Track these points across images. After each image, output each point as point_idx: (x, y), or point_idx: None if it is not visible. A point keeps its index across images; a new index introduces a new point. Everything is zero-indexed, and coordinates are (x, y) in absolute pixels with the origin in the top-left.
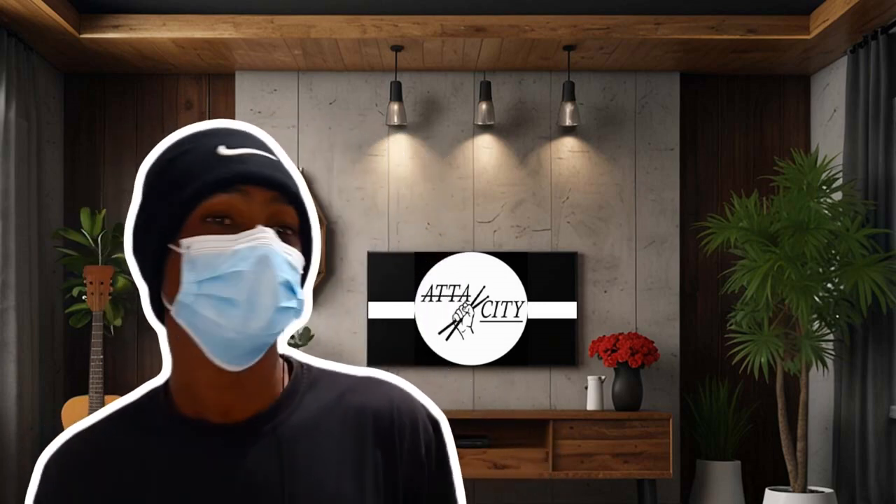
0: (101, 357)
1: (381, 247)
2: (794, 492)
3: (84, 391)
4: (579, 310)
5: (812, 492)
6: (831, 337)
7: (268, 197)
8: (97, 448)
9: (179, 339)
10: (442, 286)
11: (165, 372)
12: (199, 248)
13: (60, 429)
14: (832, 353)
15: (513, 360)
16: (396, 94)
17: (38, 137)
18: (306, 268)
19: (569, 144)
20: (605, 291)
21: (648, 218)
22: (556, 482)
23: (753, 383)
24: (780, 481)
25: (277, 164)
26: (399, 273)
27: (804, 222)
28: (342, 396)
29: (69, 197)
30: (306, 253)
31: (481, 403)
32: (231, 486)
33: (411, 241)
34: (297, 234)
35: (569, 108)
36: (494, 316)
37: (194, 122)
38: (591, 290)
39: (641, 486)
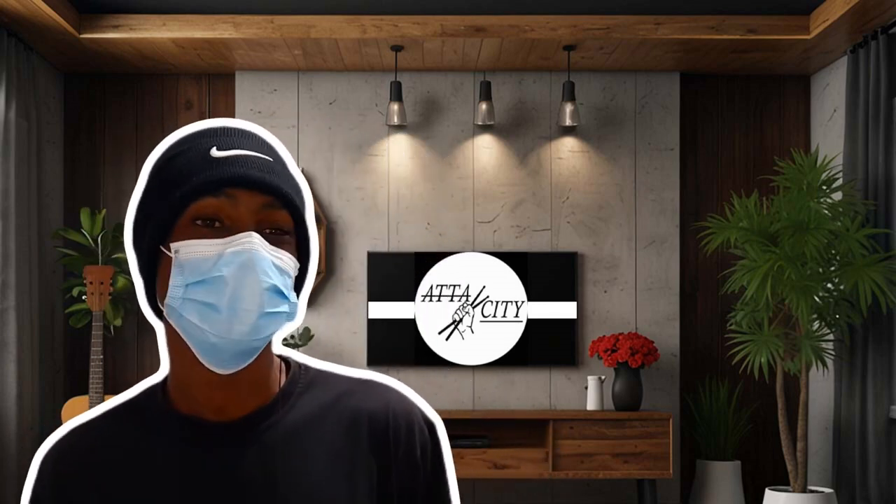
0: (101, 357)
1: (381, 247)
2: (794, 492)
3: (84, 391)
4: (579, 310)
5: (812, 492)
6: (831, 337)
7: (258, 200)
8: (94, 444)
9: (175, 337)
10: (442, 286)
11: (163, 369)
12: (186, 252)
13: None
14: (832, 353)
15: (513, 360)
16: (396, 94)
17: (38, 137)
18: (304, 270)
19: (569, 144)
20: (605, 291)
21: (648, 218)
22: (556, 482)
23: (753, 383)
24: (780, 481)
25: (272, 166)
26: (399, 273)
27: (804, 222)
28: (338, 398)
29: (69, 197)
30: (303, 255)
31: (481, 403)
32: (225, 484)
33: (411, 241)
34: (292, 236)
35: (569, 108)
36: (494, 316)
37: (194, 122)
38: (591, 290)
39: (641, 486)
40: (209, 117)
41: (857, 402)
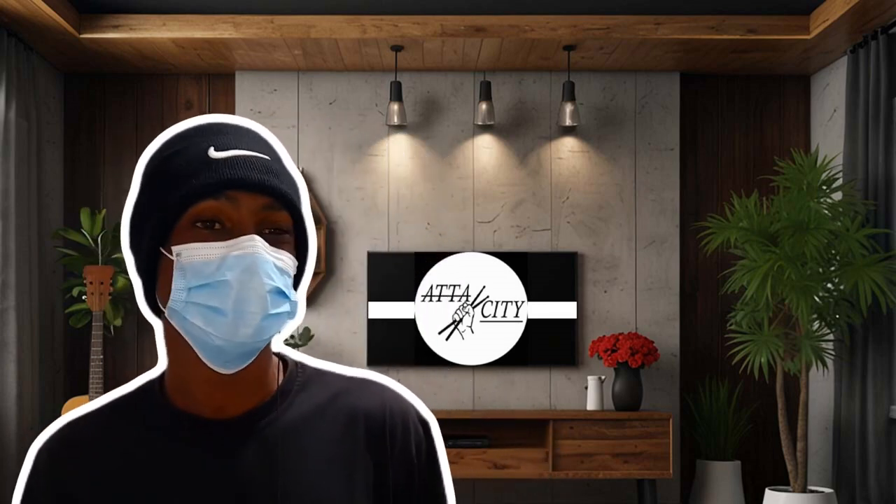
0: (101, 357)
1: (381, 247)
2: (794, 492)
3: (84, 391)
4: (579, 310)
5: (812, 492)
6: (831, 337)
7: (258, 202)
8: (90, 437)
9: (174, 337)
10: (442, 286)
11: (161, 365)
12: (188, 256)
13: None
14: (832, 353)
15: (513, 360)
16: (396, 94)
17: (38, 137)
18: (302, 267)
19: (569, 144)
20: (605, 291)
21: (648, 218)
22: (556, 482)
23: (753, 383)
24: (780, 481)
25: (270, 166)
26: (399, 273)
27: (804, 222)
28: (335, 397)
29: (69, 197)
30: (301, 252)
31: (481, 403)
32: (222, 482)
33: (411, 241)
34: (291, 234)
35: (569, 108)
36: (494, 316)
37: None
38: (591, 290)
39: (641, 486)
40: None
41: (857, 402)
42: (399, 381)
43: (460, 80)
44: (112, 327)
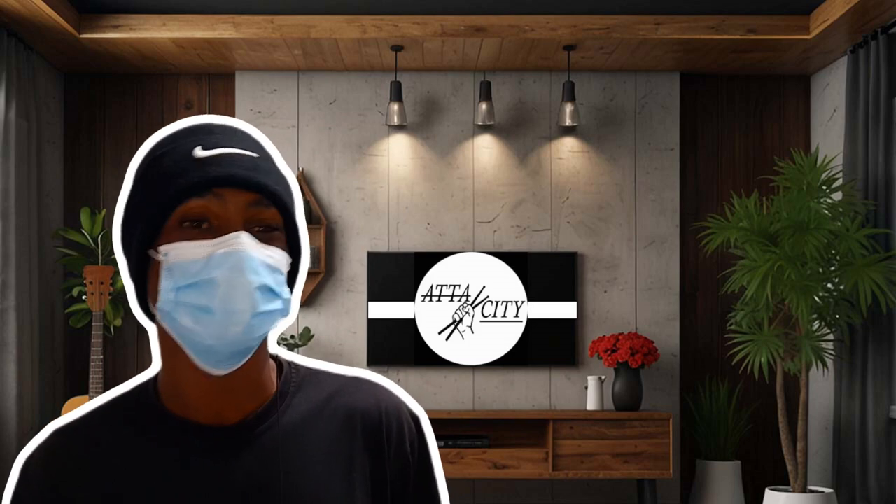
0: (101, 357)
1: (381, 247)
2: (794, 492)
3: (84, 391)
4: (579, 310)
5: (812, 492)
6: (831, 337)
7: (245, 199)
8: (82, 446)
9: (167, 340)
10: (442, 286)
11: (155, 367)
12: (175, 255)
13: None
14: (832, 353)
15: (513, 360)
16: (396, 94)
17: (38, 137)
18: (296, 264)
19: (569, 144)
20: (605, 291)
21: (648, 218)
22: (556, 482)
23: (753, 383)
24: (780, 481)
25: (257, 163)
26: (399, 273)
27: (804, 222)
28: (331, 397)
29: (69, 197)
30: (294, 249)
31: (481, 403)
32: (224, 489)
33: (411, 241)
34: (281, 232)
35: (569, 108)
36: (494, 316)
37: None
38: (591, 290)
39: (641, 486)
40: None
41: (857, 402)
42: (399, 381)
43: (460, 80)
44: (112, 327)
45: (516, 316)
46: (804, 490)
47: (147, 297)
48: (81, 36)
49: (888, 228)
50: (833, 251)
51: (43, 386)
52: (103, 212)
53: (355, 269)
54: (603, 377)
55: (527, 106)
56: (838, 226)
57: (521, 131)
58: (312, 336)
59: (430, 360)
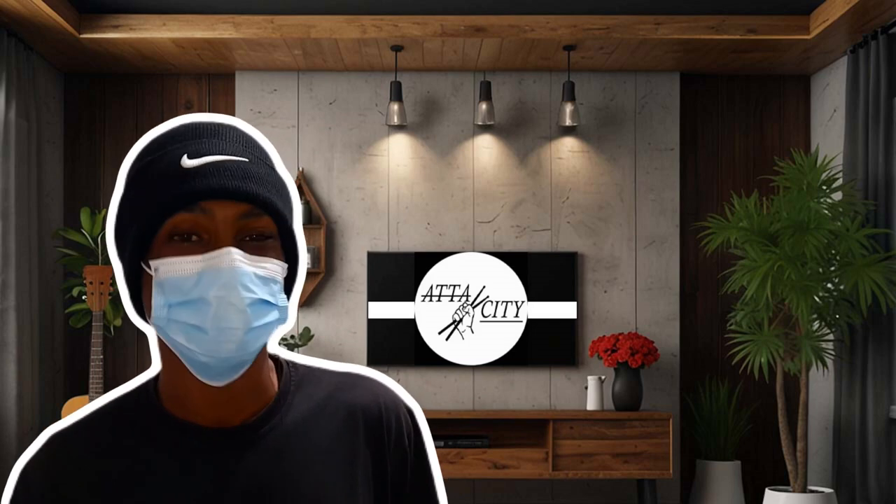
0: (101, 357)
1: (381, 247)
2: (794, 492)
3: (84, 391)
4: (579, 310)
5: (812, 492)
6: (831, 337)
7: (236, 210)
8: (82, 450)
9: (166, 349)
10: (442, 286)
11: (155, 368)
12: (165, 271)
13: None
14: (832, 353)
15: (513, 360)
16: (396, 94)
17: (38, 137)
18: (294, 269)
19: (569, 144)
20: (605, 291)
21: (648, 218)
22: (556, 482)
23: (753, 383)
24: (780, 481)
25: (248, 170)
26: (399, 273)
27: (804, 222)
28: (331, 395)
29: (69, 197)
30: (292, 254)
31: (481, 403)
32: (228, 490)
33: (411, 241)
34: (276, 239)
35: (569, 108)
36: (494, 316)
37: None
38: (591, 290)
39: (641, 486)
40: None
41: (857, 402)
42: (399, 381)
43: (460, 80)
44: (112, 327)
45: (516, 316)
46: (804, 490)
47: (143, 306)
48: (81, 36)
49: (888, 228)
50: (833, 251)
51: (43, 386)
52: (103, 212)
53: (355, 269)
54: (603, 377)
55: (527, 106)
56: (838, 226)
57: (521, 131)
58: (312, 336)
59: (430, 360)
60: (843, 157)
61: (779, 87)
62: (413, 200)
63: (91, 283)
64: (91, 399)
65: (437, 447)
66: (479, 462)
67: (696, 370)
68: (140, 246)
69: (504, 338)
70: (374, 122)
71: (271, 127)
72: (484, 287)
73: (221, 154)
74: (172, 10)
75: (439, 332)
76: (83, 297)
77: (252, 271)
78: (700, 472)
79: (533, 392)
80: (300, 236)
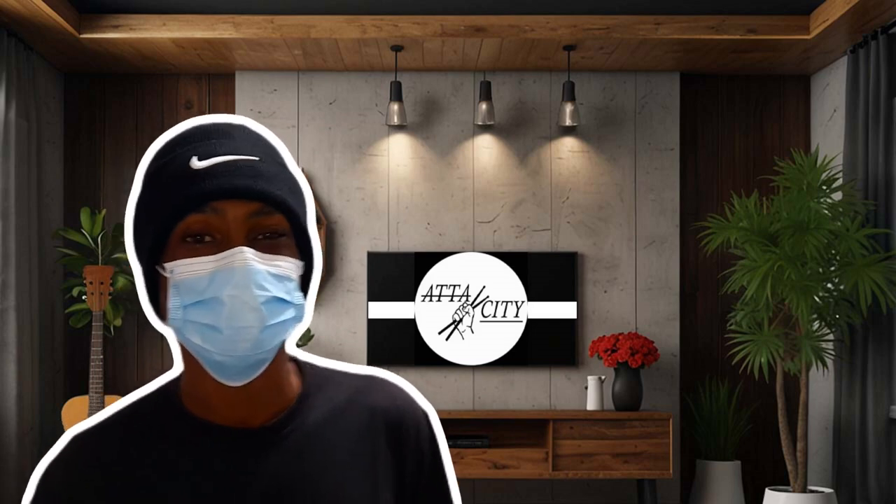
0: (101, 357)
1: (381, 247)
2: (794, 492)
3: (84, 391)
4: (579, 310)
5: (812, 492)
6: (831, 337)
7: (246, 209)
8: (106, 451)
9: (186, 350)
10: (442, 286)
11: (177, 368)
12: (180, 273)
13: (60, 429)
14: (832, 353)
15: (513, 360)
16: (396, 94)
17: (38, 137)
18: (310, 267)
19: (569, 144)
20: (605, 291)
21: (648, 218)
22: (556, 482)
23: (753, 383)
24: (780, 481)
25: (258, 169)
26: (399, 273)
27: (804, 222)
28: (352, 397)
29: (69, 197)
30: (306, 251)
31: (481, 403)
32: (250, 491)
33: (411, 241)
34: (289, 237)
35: (569, 108)
36: (494, 316)
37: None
38: (591, 290)
39: (641, 486)
40: None
41: (857, 402)
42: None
43: (460, 80)
44: (112, 327)
45: (516, 316)
46: (804, 490)
47: (160, 307)
48: (81, 36)
49: (888, 228)
50: (833, 251)
51: (43, 386)
52: (103, 212)
53: (355, 269)
54: (603, 377)
55: (527, 106)
56: (838, 226)
57: (521, 131)
58: (312, 336)
59: (430, 360)
60: (843, 157)
61: (779, 87)
62: (413, 200)
63: (91, 283)
64: (91, 399)
65: None
66: (479, 462)
67: (696, 370)
68: (155, 248)
69: (504, 338)
70: (374, 122)
71: (271, 127)
72: (484, 287)
73: (231, 154)
74: (172, 10)
75: (439, 332)
76: (83, 297)
77: (265, 269)
78: (700, 472)
79: (533, 392)
80: (314, 234)
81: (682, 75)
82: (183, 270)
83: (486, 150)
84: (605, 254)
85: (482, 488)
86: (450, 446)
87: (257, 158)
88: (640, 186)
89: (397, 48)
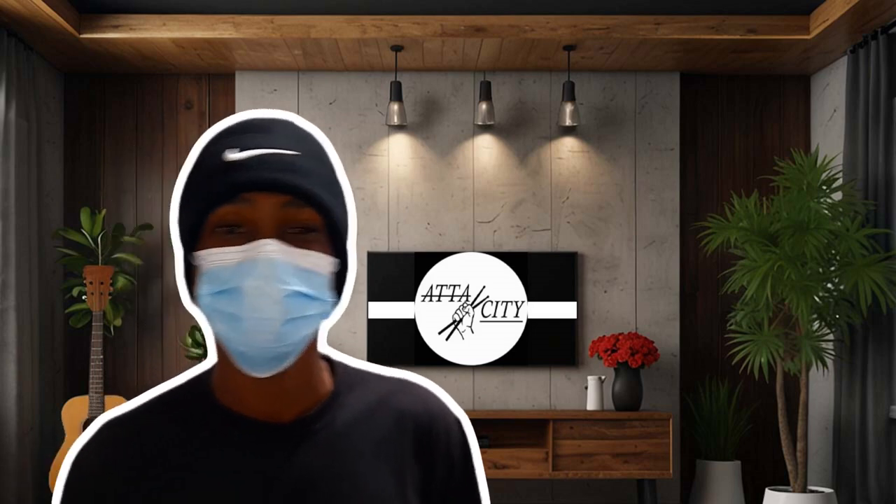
0: (101, 357)
1: (381, 247)
2: (794, 492)
3: (84, 391)
4: (579, 310)
5: (812, 492)
6: (831, 337)
7: (276, 201)
8: (136, 436)
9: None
10: (442, 286)
11: (211, 359)
12: (208, 261)
13: (60, 429)
14: (832, 353)
15: (513, 360)
16: (396, 94)
17: (38, 137)
18: (344, 264)
19: (569, 144)
20: (605, 291)
21: (648, 218)
22: (556, 482)
23: (753, 383)
24: (780, 481)
25: (292, 163)
26: (399, 273)
27: (804, 222)
28: (382, 399)
29: (69, 197)
30: (341, 248)
31: (481, 403)
32: (277, 484)
33: (411, 241)
34: (320, 232)
35: (569, 108)
36: (494, 316)
37: (194, 122)
38: (591, 290)
39: (641, 486)
40: (209, 118)
41: (857, 402)
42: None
43: (460, 80)
44: (112, 327)
45: (516, 316)
46: (804, 490)
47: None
48: (81, 36)
49: (888, 228)
50: (833, 251)
51: (43, 386)
52: (103, 212)
53: (355, 269)
54: (603, 377)
55: (527, 106)
56: (838, 226)
57: (521, 131)
58: None
59: (430, 360)
60: (843, 157)
61: (779, 87)
62: (413, 200)
63: (91, 283)
64: (91, 399)
65: None
66: None
67: (696, 370)
68: (191, 236)
69: (504, 338)
70: (374, 122)
71: None
72: (484, 287)
73: (267, 148)
74: (172, 10)
75: (439, 332)
76: (83, 297)
77: (290, 263)
78: (700, 472)
79: (533, 392)
80: (352, 235)
81: (682, 75)
82: (211, 259)
83: (486, 150)
84: (605, 254)
85: None
86: None
87: (294, 153)
88: (640, 186)
89: (397, 48)
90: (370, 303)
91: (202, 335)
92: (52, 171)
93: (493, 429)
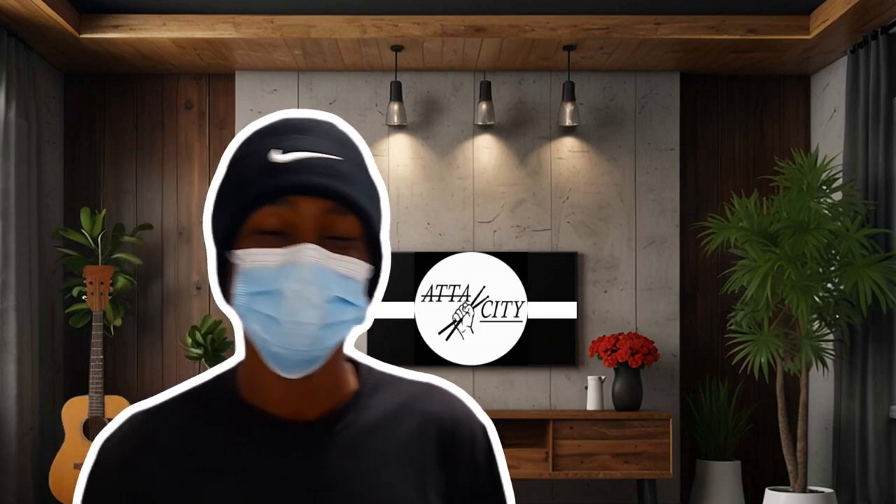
0: (101, 357)
1: None
2: (794, 492)
3: (84, 391)
4: (579, 310)
5: (812, 492)
6: (831, 337)
7: (320, 206)
8: (162, 432)
9: (248, 339)
10: (442, 286)
11: (238, 356)
12: (248, 262)
13: (60, 429)
14: (832, 353)
15: (513, 360)
16: (396, 94)
17: (38, 137)
18: (378, 271)
19: (569, 144)
20: (605, 291)
21: (648, 218)
22: (556, 482)
23: (753, 383)
24: (780, 481)
25: (336, 168)
26: (399, 273)
27: (804, 222)
28: (406, 402)
29: (69, 197)
30: (377, 255)
31: (481, 403)
32: (300, 482)
33: (411, 241)
34: (359, 240)
35: (569, 108)
36: (494, 316)
37: (194, 122)
38: (591, 290)
39: (641, 486)
40: (209, 118)
41: (857, 402)
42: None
43: (460, 80)
44: (112, 327)
45: (516, 316)
46: (804, 490)
47: (228, 291)
48: (81, 36)
49: (888, 228)
50: (833, 251)
51: (43, 386)
52: (103, 212)
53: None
54: (603, 377)
55: (527, 106)
56: (838, 226)
57: (521, 131)
58: None
59: (430, 360)
60: (843, 157)
61: (779, 87)
62: (413, 200)
63: (91, 283)
64: (91, 399)
65: None
66: None
67: (696, 370)
68: (229, 234)
69: (504, 338)
70: (374, 122)
71: None
72: (484, 287)
73: (313, 151)
74: (172, 10)
75: (439, 332)
76: (83, 297)
77: (331, 268)
78: (700, 472)
79: (533, 392)
80: (386, 240)
81: (682, 75)
82: (251, 260)
83: (486, 150)
84: (605, 254)
85: None
86: None
87: (338, 158)
88: (640, 186)
89: (397, 48)
90: None
91: (202, 335)
92: (52, 171)
93: None
